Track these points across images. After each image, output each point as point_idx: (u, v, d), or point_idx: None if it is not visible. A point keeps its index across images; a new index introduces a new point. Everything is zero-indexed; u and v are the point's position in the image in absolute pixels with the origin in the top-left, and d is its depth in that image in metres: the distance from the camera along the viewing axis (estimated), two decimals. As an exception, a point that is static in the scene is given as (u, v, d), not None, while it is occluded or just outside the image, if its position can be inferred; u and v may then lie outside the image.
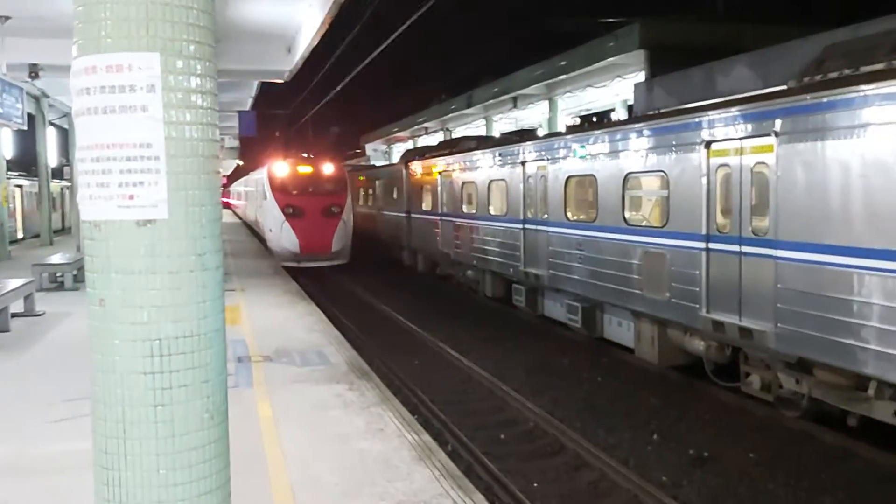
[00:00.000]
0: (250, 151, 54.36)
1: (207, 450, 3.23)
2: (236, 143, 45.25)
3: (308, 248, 22.71)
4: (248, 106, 27.11)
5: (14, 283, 12.86)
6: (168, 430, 3.13)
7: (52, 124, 32.80)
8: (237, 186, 55.58)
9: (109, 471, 3.16)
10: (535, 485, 7.95)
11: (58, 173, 32.14)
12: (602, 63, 20.13)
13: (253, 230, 37.52)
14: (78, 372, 9.44)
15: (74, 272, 17.00)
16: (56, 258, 17.96)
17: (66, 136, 37.38)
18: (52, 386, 8.90)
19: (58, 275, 17.00)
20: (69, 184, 32.11)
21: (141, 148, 3.08)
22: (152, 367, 3.11)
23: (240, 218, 52.02)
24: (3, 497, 5.82)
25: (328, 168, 24.89)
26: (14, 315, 12.88)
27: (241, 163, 59.24)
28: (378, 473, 6.35)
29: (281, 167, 24.55)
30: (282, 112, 40.53)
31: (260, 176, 28.30)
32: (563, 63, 22.18)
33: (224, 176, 63.53)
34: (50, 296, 15.84)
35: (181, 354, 3.15)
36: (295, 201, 23.48)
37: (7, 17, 14.03)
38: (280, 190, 23.92)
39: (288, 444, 6.99)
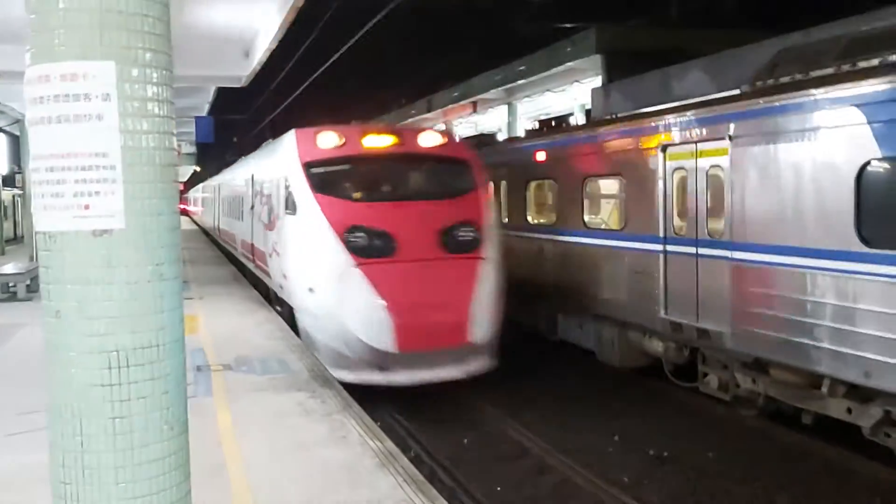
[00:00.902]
0: (208, 157, 53.73)
1: (167, 462, 3.19)
2: (193, 150, 43.66)
3: (415, 338, 9.85)
4: (205, 111, 26.66)
5: (-36, 293, 12.55)
6: (127, 443, 3.09)
7: (2, 131, 32.09)
8: (195, 193, 53.37)
9: (67, 485, 3.11)
10: (499, 489, 7.99)
11: (9, 181, 31.41)
12: (560, 68, 20.35)
13: (226, 251, 25.84)
14: (32, 385, 9.24)
15: (28, 282, 16.64)
16: (8, 268, 17.57)
17: (17, 143, 36.58)
18: (5, 399, 8.69)
19: (10, 285, 16.62)
20: (21, 192, 31.38)
21: (96, 157, 3.04)
22: (110, 378, 3.07)
23: (198, 225, 49.11)
24: (-45, 514, 5.68)
25: (433, 140, 11.66)
26: (-36, 326, 12.56)
27: (198, 168, 58.54)
28: (341, 481, 6.32)
29: (329, 138, 11.27)
30: (240, 117, 40.13)
31: (266, 165, 14.53)
32: (522, 68, 22.36)
33: (181, 183, 62.71)
34: (1, 307, 15.48)
35: (139, 366, 3.11)
36: (372, 218, 10.54)
37: (-45, 22, 13.72)
38: (331, 190, 10.91)
39: (249, 454, 6.92)
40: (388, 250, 10.03)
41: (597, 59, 19.16)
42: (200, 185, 49.34)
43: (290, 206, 11.25)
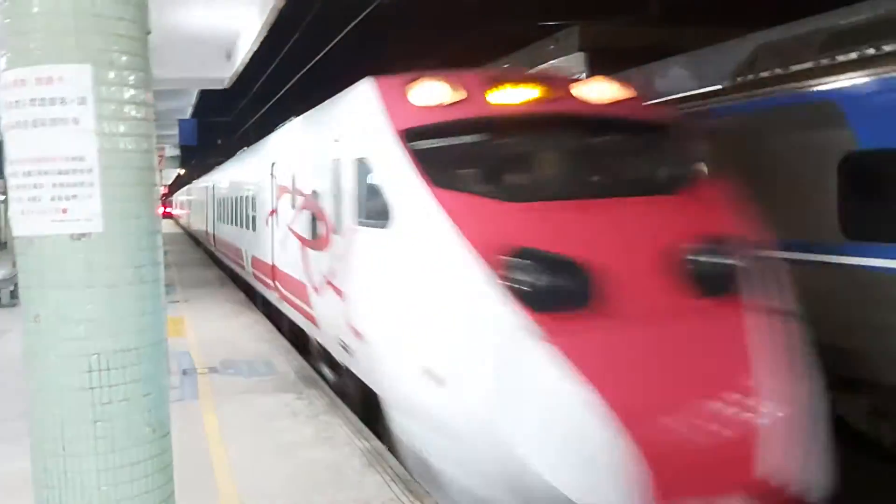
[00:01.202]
0: (192, 160, 53.50)
1: (150, 464, 3.19)
2: (177, 152, 43.38)
3: (680, 485, 4.52)
4: (188, 114, 26.55)
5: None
6: (108, 446, 3.08)
7: (-16, 136, 31.83)
8: (180, 196, 52.61)
9: (49, 489, 3.10)
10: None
11: (-8, 186, 31.07)
12: (544, 66, 20.38)
13: (226, 267, 21.79)
14: (14, 391, 9.19)
15: (11, 288, 16.52)
16: (-8, 274, 17.43)
17: (1, 149, 36.29)
18: (-10, 405, 8.63)
19: (-7, 291, 16.52)
20: (2, 197, 31.12)
21: (73, 161, 3.03)
22: (90, 382, 3.07)
23: (184, 229, 48.10)
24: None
25: (611, 92, 6.78)
26: (-53, 334, 12.47)
27: (182, 171, 58.30)
28: (328, 482, 6.32)
29: (438, 91, 6.32)
30: (224, 119, 39.98)
31: (306, 145, 9.98)
32: (506, 66, 22.39)
33: (165, 185, 62.40)
34: (-15, 313, 15.38)
35: (120, 369, 3.10)
36: (550, 233, 5.41)
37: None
38: (458, 181, 6.08)
39: (235, 456, 6.92)
40: (587, 296, 5.11)
41: (580, 57, 19.21)
42: (186, 187, 46.54)
43: (373, 210, 6.48)
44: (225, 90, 19.26)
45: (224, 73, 16.65)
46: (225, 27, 13.95)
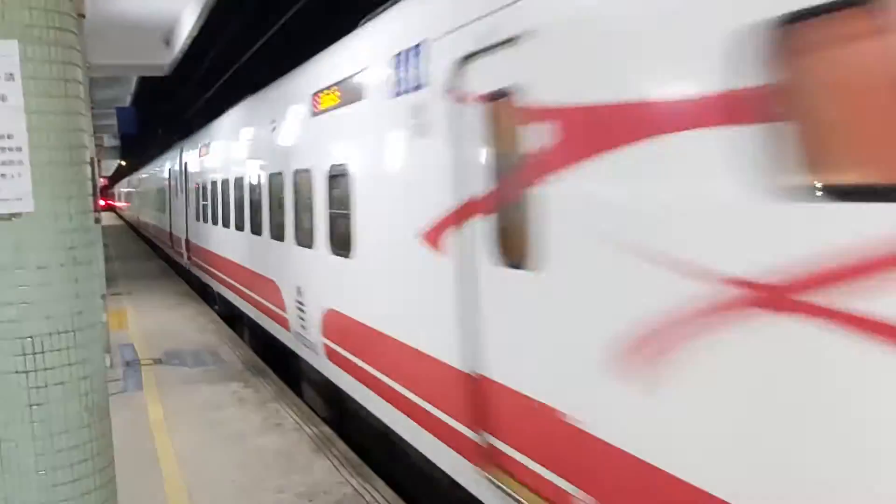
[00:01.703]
0: (133, 150, 52.28)
1: (89, 447, 3.13)
2: (117, 143, 42.24)
3: None
4: (127, 102, 25.89)
5: None
6: (45, 430, 3.01)
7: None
8: (123, 187, 50.87)
9: (-17, 476, 3.02)
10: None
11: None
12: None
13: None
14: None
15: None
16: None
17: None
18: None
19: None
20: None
21: (1, 139, 2.94)
22: (25, 365, 2.99)
23: (127, 222, 46.49)
24: None
25: None
26: None
27: (123, 162, 56.94)
28: (277, 468, 6.30)
29: None
30: (166, 108, 39.18)
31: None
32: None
33: (104, 177, 60.86)
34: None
35: (56, 351, 3.03)
36: None
37: None
38: None
39: (181, 446, 6.83)
40: None
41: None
42: (131, 176, 42.04)
43: None
44: (166, 78, 18.85)
45: (164, 60, 16.27)
46: (164, 12, 13.64)
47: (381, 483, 6.02)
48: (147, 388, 8.76)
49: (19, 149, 2.97)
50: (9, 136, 2.96)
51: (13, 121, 2.95)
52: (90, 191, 3.28)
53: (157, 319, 13.24)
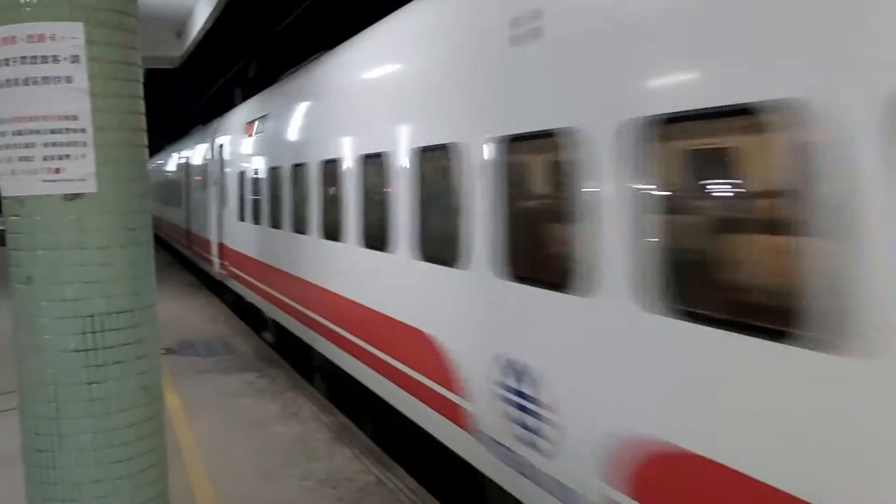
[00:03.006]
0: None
1: (145, 426, 3.18)
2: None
3: None
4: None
5: None
6: (104, 408, 3.07)
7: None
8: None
9: (42, 452, 3.07)
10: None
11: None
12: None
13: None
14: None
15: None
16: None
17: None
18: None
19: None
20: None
21: (66, 120, 2.99)
22: (84, 344, 3.04)
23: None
24: None
25: None
26: None
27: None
28: (297, 455, 6.35)
29: None
30: (170, 102, 39.15)
31: None
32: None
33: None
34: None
35: (114, 330, 3.09)
36: None
37: None
38: None
39: (201, 433, 6.88)
40: None
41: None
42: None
43: None
44: (172, 70, 18.89)
45: (174, 52, 16.33)
46: (177, 4, 13.69)
47: (402, 472, 6.07)
48: (162, 378, 8.80)
49: (83, 130, 3.02)
50: (73, 118, 3.01)
51: (78, 102, 3.00)
52: (148, 174, 3.33)
53: (167, 309, 13.24)
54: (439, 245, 5.22)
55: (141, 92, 3.26)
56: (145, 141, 3.27)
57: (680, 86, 3.12)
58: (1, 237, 4.04)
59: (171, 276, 18.03)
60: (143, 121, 3.24)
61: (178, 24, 15.58)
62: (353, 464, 6.16)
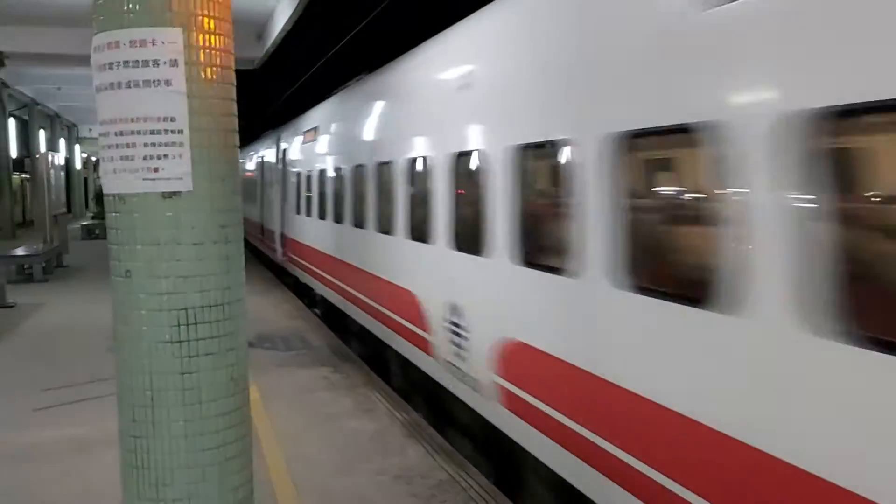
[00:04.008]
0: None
1: (233, 416, 3.31)
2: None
3: None
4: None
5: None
6: (195, 397, 3.20)
7: (11, 115, 32.11)
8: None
9: (137, 438, 3.22)
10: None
11: (18, 165, 31.36)
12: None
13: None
14: (55, 362, 9.40)
15: (43, 264, 16.80)
16: (22, 250, 17.70)
17: (26, 128, 36.62)
18: (28, 376, 8.83)
19: (25, 267, 16.78)
20: (29, 177, 31.22)
21: (165, 122, 3.13)
22: (178, 335, 3.18)
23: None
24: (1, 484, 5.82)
25: None
26: (-15, 306, 12.74)
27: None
28: (372, 450, 6.45)
29: None
30: (246, 100, 40.03)
31: None
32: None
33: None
34: (19, 288, 15.62)
35: (207, 323, 3.22)
36: None
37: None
38: None
39: (279, 424, 7.06)
40: None
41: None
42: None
43: None
44: (252, 70, 19.36)
45: (254, 54, 16.74)
46: (259, 7, 14.03)
47: (474, 470, 6.12)
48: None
49: (181, 131, 3.15)
50: (171, 119, 3.15)
51: (176, 104, 3.14)
52: (239, 174, 3.45)
53: (247, 304, 13.62)
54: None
55: (234, 94, 3.39)
56: (237, 142, 3.40)
57: None
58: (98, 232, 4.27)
59: (250, 273, 18.43)
60: (235, 122, 3.37)
61: (259, 27, 15.97)
62: (426, 460, 6.23)
